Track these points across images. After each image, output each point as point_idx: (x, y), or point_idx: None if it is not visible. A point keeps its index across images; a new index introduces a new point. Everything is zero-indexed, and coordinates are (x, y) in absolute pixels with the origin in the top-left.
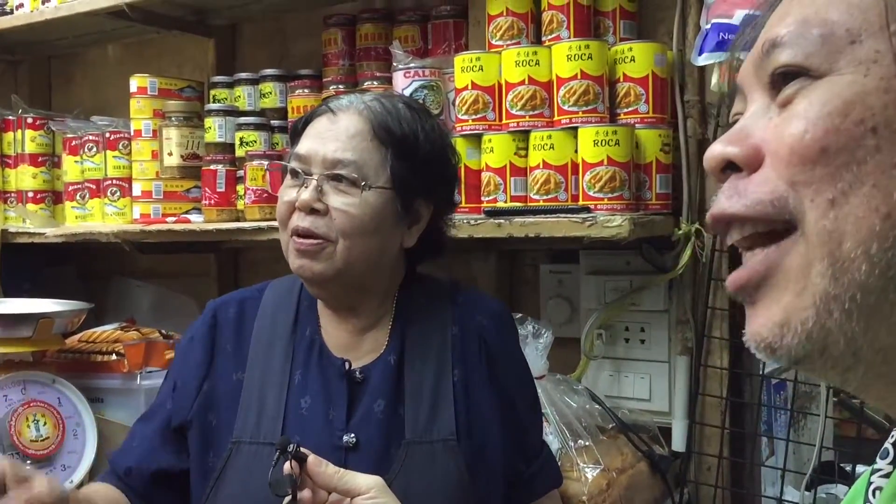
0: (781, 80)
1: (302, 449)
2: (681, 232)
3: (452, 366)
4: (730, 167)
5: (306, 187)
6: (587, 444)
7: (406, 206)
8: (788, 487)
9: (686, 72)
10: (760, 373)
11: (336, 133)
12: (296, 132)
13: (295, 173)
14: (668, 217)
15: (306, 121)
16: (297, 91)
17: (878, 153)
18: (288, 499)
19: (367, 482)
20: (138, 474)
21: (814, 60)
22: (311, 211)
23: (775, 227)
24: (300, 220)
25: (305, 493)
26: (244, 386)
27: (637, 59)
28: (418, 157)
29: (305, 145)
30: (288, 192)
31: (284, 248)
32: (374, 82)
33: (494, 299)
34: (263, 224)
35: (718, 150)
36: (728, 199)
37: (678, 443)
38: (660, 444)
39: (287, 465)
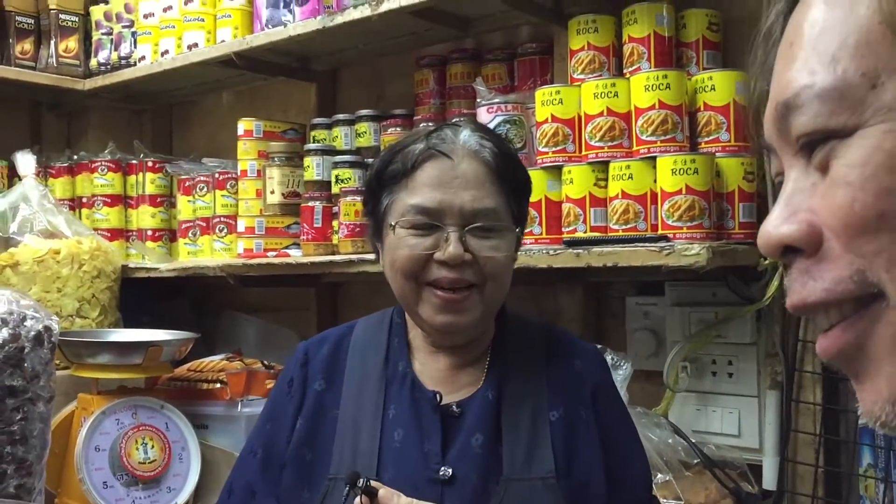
0: (808, 146)
1: (372, 483)
2: (767, 262)
3: (549, 406)
4: (790, 249)
5: (447, 241)
6: (667, 478)
7: (521, 237)
8: None
9: None
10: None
11: (465, 181)
12: (403, 172)
13: (424, 226)
14: (753, 246)
15: (413, 165)
16: (389, 130)
17: None
18: None
19: None
20: None
21: (837, 119)
22: (461, 263)
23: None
24: (444, 272)
25: None
26: (339, 422)
27: (717, 87)
28: (526, 192)
29: (429, 196)
30: (411, 243)
31: (410, 297)
32: (462, 119)
33: (586, 342)
34: (355, 257)
35: (773, 233)
36: (803, 287)
37: (769, 481)
38: (748, 482)
39: (357, 501)
